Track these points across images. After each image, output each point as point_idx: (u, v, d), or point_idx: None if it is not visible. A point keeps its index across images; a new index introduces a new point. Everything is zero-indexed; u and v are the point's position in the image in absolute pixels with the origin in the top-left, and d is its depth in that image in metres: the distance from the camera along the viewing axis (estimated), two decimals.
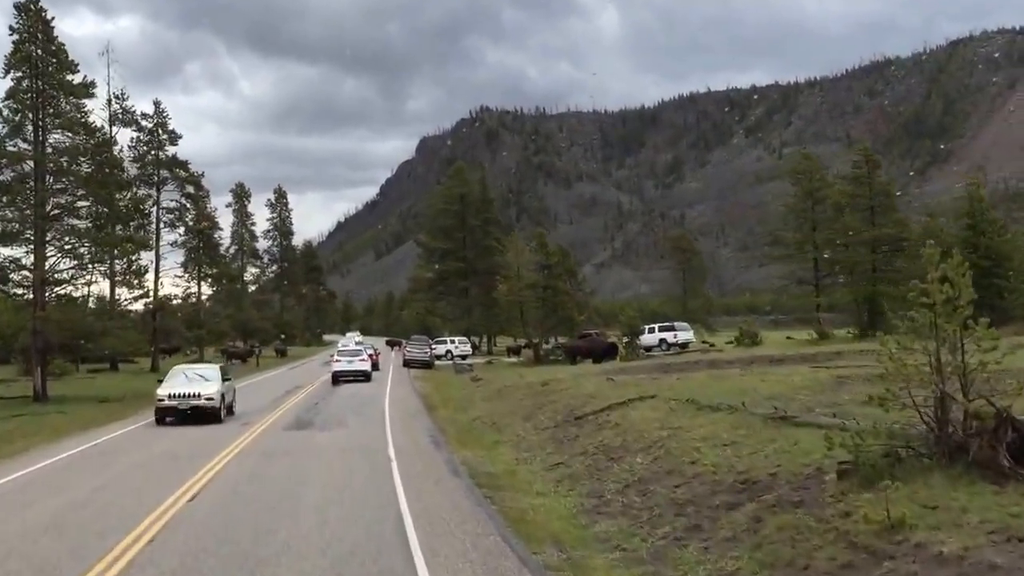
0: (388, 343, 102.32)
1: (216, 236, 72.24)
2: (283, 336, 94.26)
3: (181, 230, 62.29)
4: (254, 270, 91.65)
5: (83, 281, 42.48)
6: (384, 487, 14.45)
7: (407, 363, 59.06)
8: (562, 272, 61.24)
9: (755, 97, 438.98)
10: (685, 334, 59.37)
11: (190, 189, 61.14)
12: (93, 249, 39.96)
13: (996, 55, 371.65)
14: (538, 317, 57.91)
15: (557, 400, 24.68)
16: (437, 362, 62.21)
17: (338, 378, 45.31)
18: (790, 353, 35.98)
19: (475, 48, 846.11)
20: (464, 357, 70.35)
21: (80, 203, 39.60)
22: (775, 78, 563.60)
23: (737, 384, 21.25)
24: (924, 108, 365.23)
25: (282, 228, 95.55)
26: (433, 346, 64.38)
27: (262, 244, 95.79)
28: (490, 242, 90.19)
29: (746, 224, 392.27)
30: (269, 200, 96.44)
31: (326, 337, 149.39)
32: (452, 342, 72.88)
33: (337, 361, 47.47)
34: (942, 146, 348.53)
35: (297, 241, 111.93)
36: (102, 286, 52.90)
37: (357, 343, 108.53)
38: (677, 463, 13.84)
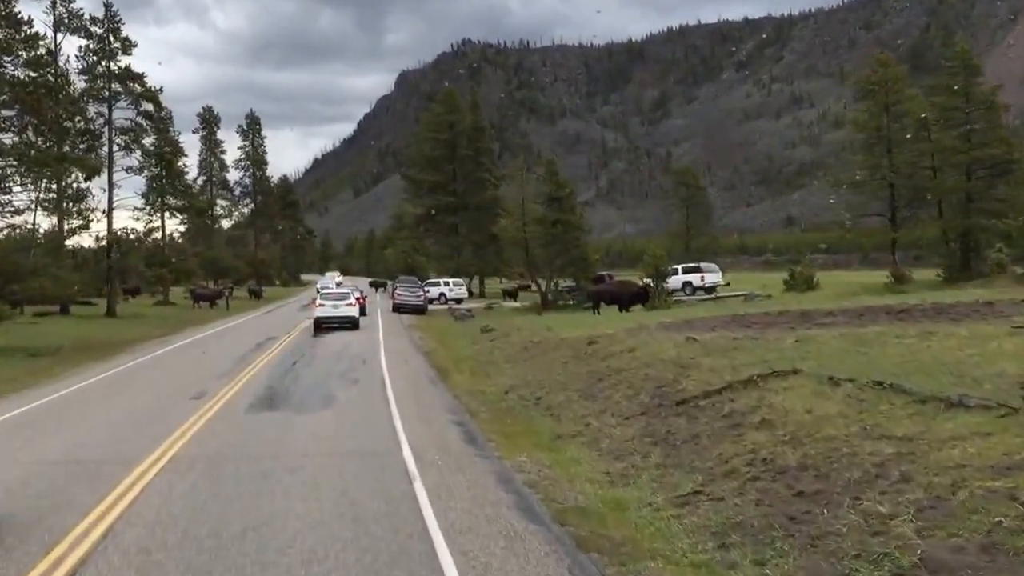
0: (372, 284, 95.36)
1: (182, 164, 64.69)
2: (258, 276, 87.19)
3: (138, 154, 54.51)
4: (225, 203, 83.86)
5: (10, 209, 35.39)
6: (416, 553, 7.84)
7: (397, 308, 52.34)
8: (573, 205, 54.27)
9: (747, 30, 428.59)
10: (713, 276, 52.84)
11: (148, 107, 53.25)
12: (23, 169, 32.82)
13: None
14: (547, 257, 51.09)
15: (626, 369, 18.09)
16: (430, 306, 55.45)
17: (321, 325, 39.06)
18: (886, 302, 29.58)
19: None
20: (459, 301, 63.72)
21: (3, 111, 32.37)
22: (768, 10, 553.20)
23: (903, 352, 14.66)
24: (922, 41, 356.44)
25: (255, 157, 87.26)
26: (426, 289, 57.45)
27: (233, 176, 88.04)
28: (482, 174, 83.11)
29: (733, 163, 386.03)
30: (240, 127, 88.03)
31: (304, 277, 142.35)
32: (446, 284, 66.01)
33: (320, 305, 40.90)
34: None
35: (272, 178, 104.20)
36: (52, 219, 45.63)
37: (338, 284, 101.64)
38: (977, 523, 7.29)
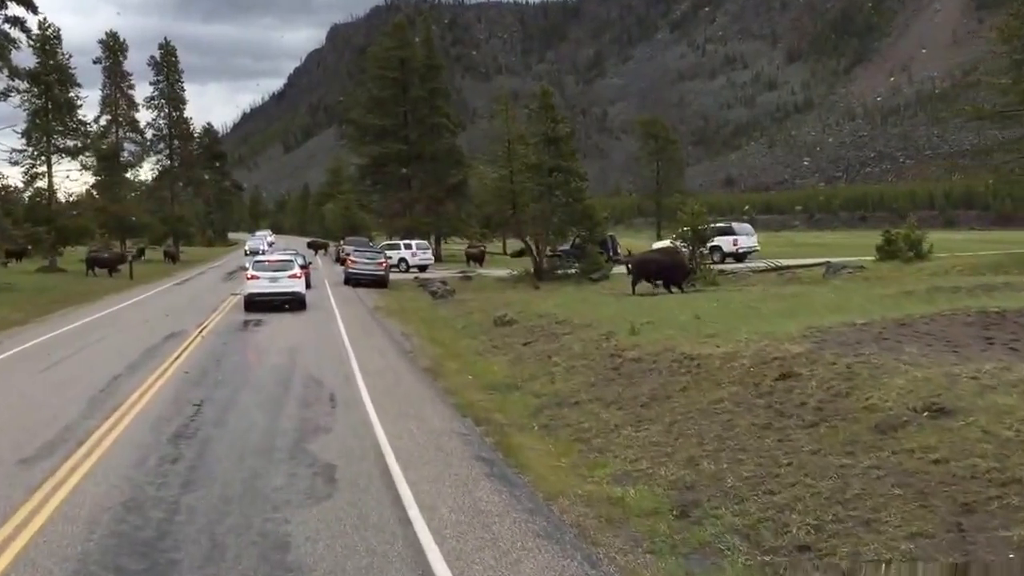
0: (311, 246, 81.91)
1: (75, 96, 50.68)
2: (176, 235, 73.22)
3: (4, 73, 40.29)
4: (135, 147, 69.08)
5: None
6: None
7: (351, 279, 39.82)
8: (574, 149, 42.04)
9: None
10: (748, 240, 41.55)
11: (16, 11, 39.24)
12: None
13: None
14: (543, 213, 39.10)
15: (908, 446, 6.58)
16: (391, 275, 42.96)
17: (254, 302, 28.10)
18: None
19: None
20: (424, 268, 51.41)
21: None
22: None
23: None
24: (851, 5, 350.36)
25: (170, 95, 72.38)
26: (387, 255, 44.76)
27: (145, 117, 73.14)
28: (439, 119, 70.31)
29: (669, 123, 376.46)
30: (152, 58, 72.78)
31: (232, 236, 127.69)
32: (407, 247, 53.27)
33: (253, 278, 28.94)
34: (869, 45, 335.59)
35: (195, 126, 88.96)
36: None
37: (270, 244, 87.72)
38: None
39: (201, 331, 22.96)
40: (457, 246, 76.84)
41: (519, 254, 75.95)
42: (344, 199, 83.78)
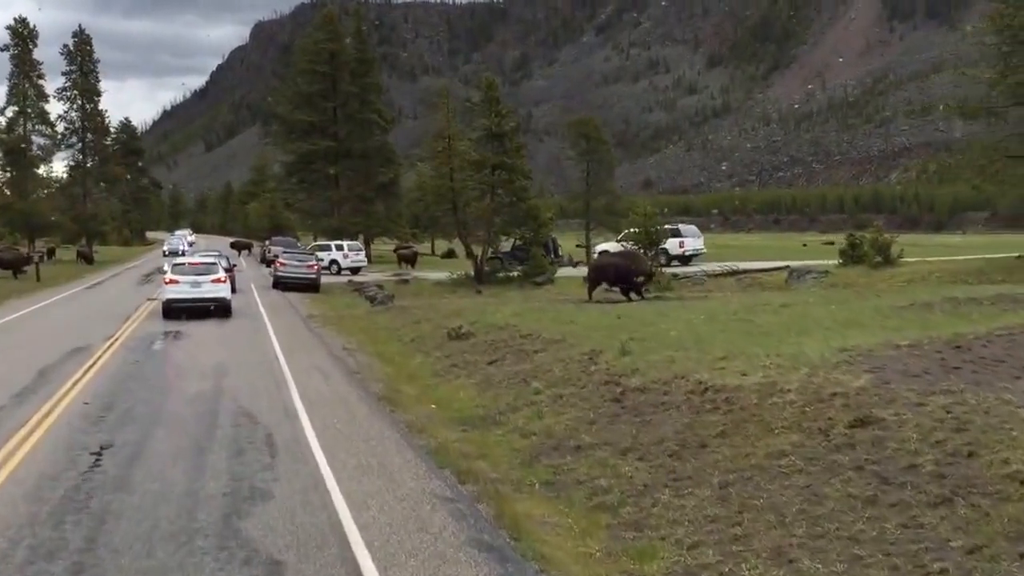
0: (234, 246, 77.50)
1: None
2: (89, 234, 68.25)
3: None
4: (44, 141, 63.74)
5: None
6: None
7: (280, 283, 36.46)
8: (520, 145, 39.29)
9: None
10: (694, 242, 39.48)
11: None
12: None
13: None
14: (485, 212, 36.34)
15: None
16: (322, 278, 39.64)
17: (173, 308, 25.35)
18: None
19: None
20: (356, 271, 48.16)
21: None
22: None
23: None
24: (771, 13, 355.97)
25: (84, 86, 67.15)
26: (319, 257, 41.34)
27: (56, 109, 67.92)
28: (370, 115, 66.94)
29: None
30: (65, 46, 67.37)
31: (150, 235, 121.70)
32: (339, 248, 49.72)
33: (172, 282, 25.86)
34: (786, 52, 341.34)
35: (112, 121, 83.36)
36: None
37: (190, 243, 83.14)
38: None
39: (111, 345, 19.69)
40: (385, 247, 73.61)
41: (448, 255, 73.25)
42: (269, 198, 79.78)
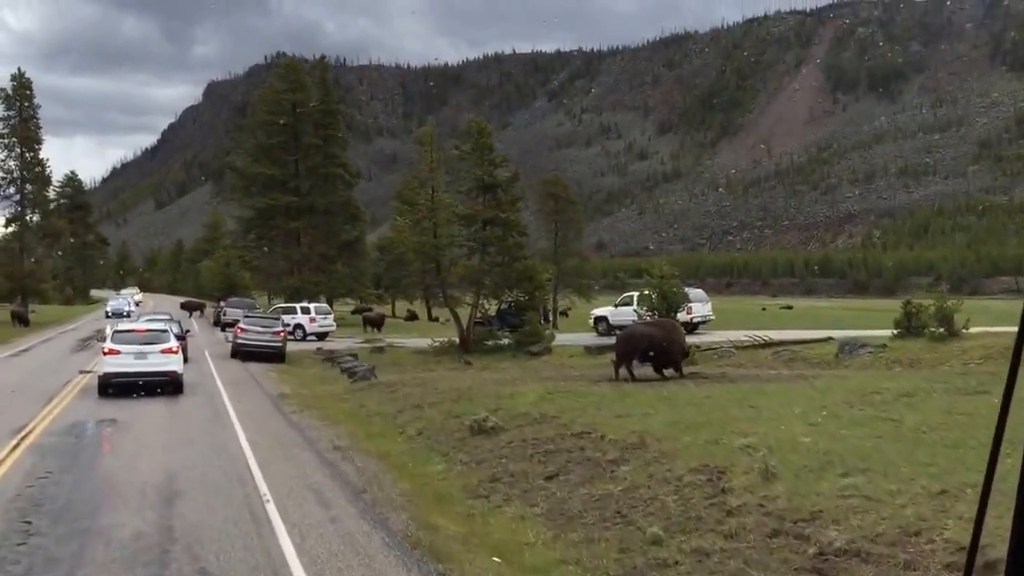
0: (185, 307, 71.60)
1: None
2: (25, 293, 62.07)
3: None
4: None
5: None
6: None
7: (240, 352, 31.27)
8: (516, 197, 34.94)
9: (559, 62, 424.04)
10: (702, 307, 35.32)
11: None
12: None
13: (787, 34, 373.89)
14: (474, 273, 31.82)
15: None
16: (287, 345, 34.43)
17: (112, 384, 20.69)
18: None
19: None
20: (323, 336, 43.04)
21: None
22: (579, 44, 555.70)
23: None
24: (719, 82, 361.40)
25: (23, 134, 61.38)
26: (285, 322, 36.17)
27: None
28: (334, 170, 62.57)
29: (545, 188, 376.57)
30: (3, 91, 61.53)
31: (95, 294, 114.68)
32: (305, 311, 44.43)
33: (112, 352, 21.16)
34: (734, 120, 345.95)
35: (55, 174, 77.42)
36: None
37: (137, 303, 76.94)
38: None
39: (19, 442, 14.62)
40: (343, 308, 68.49)
41: (411, 317, 68.43)
42: (224, 255, 74.23)
